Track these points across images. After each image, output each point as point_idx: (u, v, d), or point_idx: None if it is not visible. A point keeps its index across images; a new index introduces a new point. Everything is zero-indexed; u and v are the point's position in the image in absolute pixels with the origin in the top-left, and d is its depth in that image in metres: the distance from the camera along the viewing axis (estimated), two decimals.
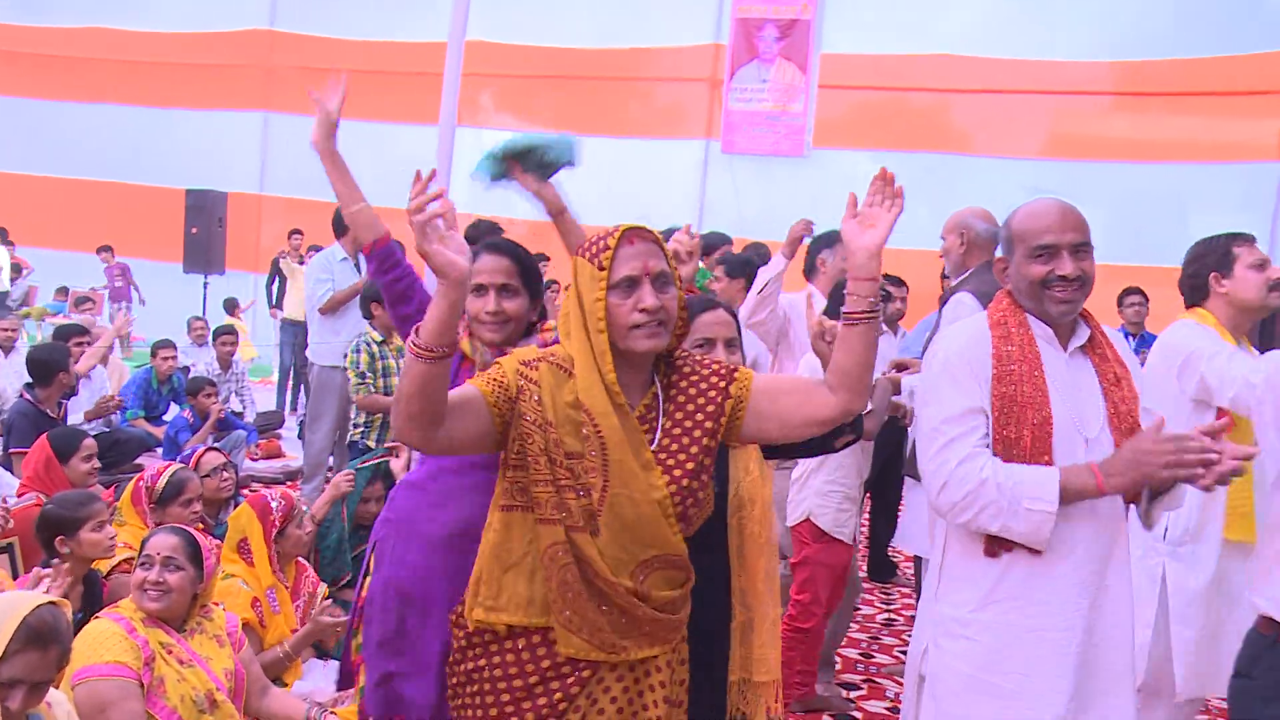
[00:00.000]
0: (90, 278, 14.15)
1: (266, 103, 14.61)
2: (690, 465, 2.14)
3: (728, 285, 5.32)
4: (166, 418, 8.29)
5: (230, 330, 9.29)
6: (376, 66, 13.01)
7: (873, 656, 5.09)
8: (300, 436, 8.38)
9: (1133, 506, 2.34)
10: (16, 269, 14.28)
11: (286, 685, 3.69)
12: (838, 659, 4.82)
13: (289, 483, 7.51)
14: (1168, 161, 10.96)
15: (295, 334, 10.24)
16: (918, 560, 4.89)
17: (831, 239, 4.87)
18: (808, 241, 5.04)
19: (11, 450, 6.05)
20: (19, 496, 4.43)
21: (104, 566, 3.75)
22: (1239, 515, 3.26)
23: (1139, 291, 8.03)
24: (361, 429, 5.98)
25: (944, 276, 5.45)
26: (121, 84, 14.70)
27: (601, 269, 2.10)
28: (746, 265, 5.38)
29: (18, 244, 14.50)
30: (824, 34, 12.26)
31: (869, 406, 2.51)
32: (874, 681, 4.77)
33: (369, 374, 5.82)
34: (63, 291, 14.39)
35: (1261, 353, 3.30)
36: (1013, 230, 2.42)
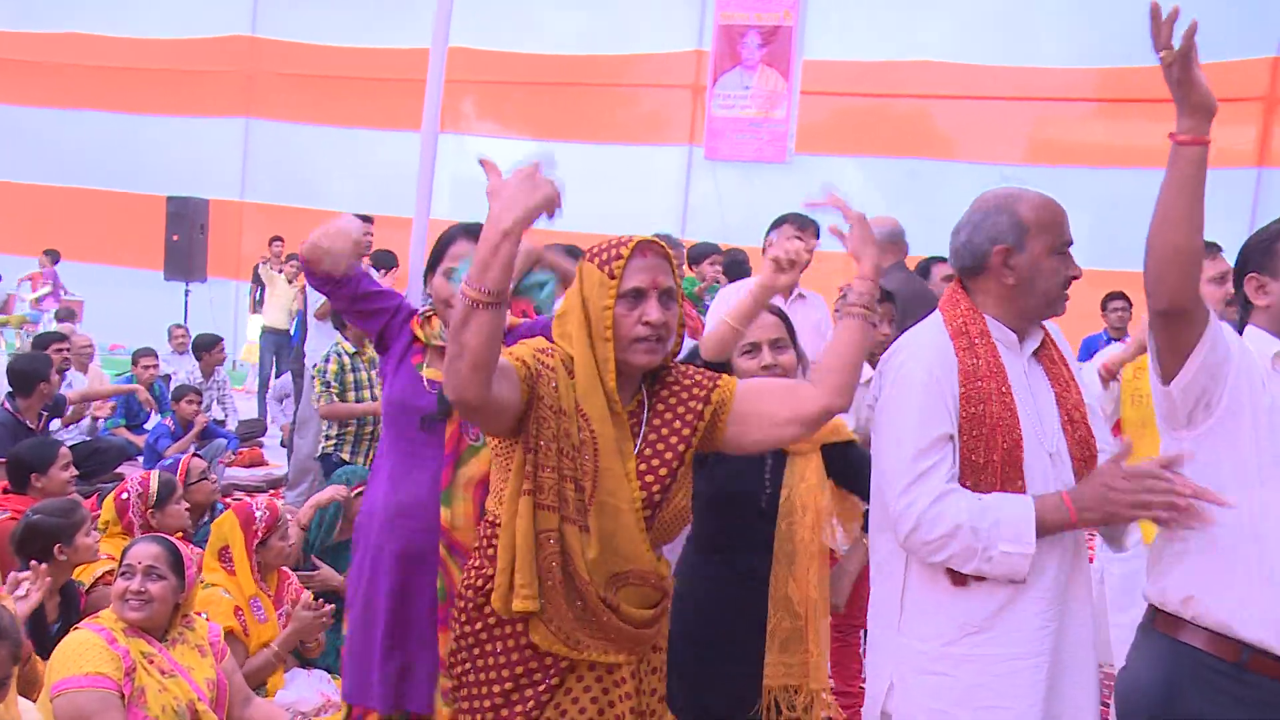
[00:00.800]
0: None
1: (248, 109, 14.49)
2: (664, 472, 2.17)
3: (727, 286, 5.35)
4: (147, 426, 8.23)
5: (218, 340, 9.20)
6: (358, 73, 12.78)
7: None
8: (283, 444, 8.33)
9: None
10: None
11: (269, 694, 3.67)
12: None
13: (272, 491, 7.47)
14: (1149, 167, 10.81)
15: (276, 341, 10.19)
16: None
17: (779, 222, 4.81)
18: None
19: None
20: None
21: (86, 579, 3.73)
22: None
23: (1123, 296, 8.03)
24: (334, 441, 5.86)
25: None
26: (101, 90, 14.57)
27: (612, 277, 2.12)
28: (741, 265, 5.42)
29: None
30: (806, 40, 12.29)
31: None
32: None
33: (334, 383, 5.75)
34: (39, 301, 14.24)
35: None
36: (1027, 220, 2.20)
